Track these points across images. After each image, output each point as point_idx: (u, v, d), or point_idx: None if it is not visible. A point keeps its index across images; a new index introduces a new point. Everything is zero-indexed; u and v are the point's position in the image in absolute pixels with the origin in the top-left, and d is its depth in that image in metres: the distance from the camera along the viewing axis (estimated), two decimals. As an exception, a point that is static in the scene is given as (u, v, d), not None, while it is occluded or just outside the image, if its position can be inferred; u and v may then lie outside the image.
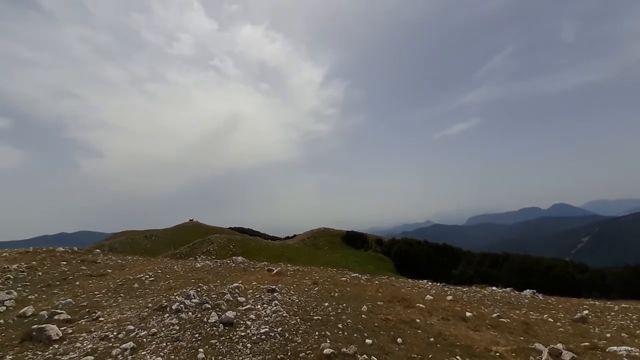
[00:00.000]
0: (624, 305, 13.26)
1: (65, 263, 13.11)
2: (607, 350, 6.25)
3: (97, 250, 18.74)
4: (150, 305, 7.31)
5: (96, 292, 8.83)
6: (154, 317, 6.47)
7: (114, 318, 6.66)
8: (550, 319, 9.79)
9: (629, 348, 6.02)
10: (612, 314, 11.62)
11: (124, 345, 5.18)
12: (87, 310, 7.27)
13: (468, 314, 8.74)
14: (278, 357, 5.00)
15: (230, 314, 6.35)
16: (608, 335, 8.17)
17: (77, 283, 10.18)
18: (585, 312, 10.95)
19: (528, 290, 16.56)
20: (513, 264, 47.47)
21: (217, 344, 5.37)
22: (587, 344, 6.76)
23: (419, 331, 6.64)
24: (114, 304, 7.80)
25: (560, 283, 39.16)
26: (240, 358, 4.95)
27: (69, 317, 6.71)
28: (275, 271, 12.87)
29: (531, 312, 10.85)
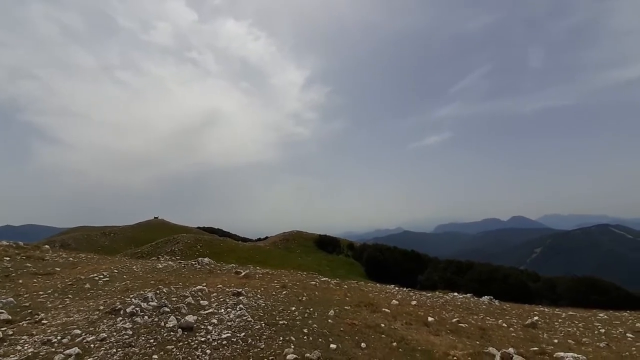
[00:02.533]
0: (570, 313, 14.34)
1: (8, 259, 11.89)
2: (554, 355, 6.68)
3: (47, 246, 17.21)
4: (101, 307, 6.80)
5: (41, 292, 8.08)
6: (104, 320, 6.01)
7: (59, 321, 6.11)
8: (504, 324, 10.34)
9: (576, 355, 6.41)
10: (560, 320, 12.51)
11: (68, 351, 4.75)
12: (30, 311, 6.64)
13: (430, 318, 9.01)
14: (238, 363, 4.82)
15: (190, 318, 6.05)
16: (556, 341, 8.75)
17: (21, 281, 9.26)
18: (536, 318, 11.70)
19: (486, 296, 17.46)
20: (474, 272, 49.94)
21: (174, 349, 5.08)
22: (536, 348, 7.19)
23: (383, 336, 6.72)
24: (60, 306, 7.16)
25: (516, 290, 41.72)
26: (198, 364, 4.72)
27: (10, 317, 6.11)
28: (243, 274, 12.52)
29: (487, 318, 11.42)
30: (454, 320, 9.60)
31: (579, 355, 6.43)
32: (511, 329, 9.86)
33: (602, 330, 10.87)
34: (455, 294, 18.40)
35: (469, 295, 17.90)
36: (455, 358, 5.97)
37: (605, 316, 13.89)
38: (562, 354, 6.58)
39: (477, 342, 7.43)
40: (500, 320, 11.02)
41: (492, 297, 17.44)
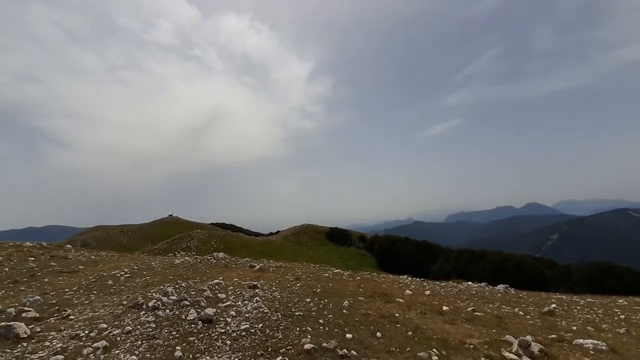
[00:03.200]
0: (589, 300, 14.12)
1: (33, 259, 12.41)
2: (573, 342, 6.62)
3: (69, 245, 17.87)
4: (125, 302, 7.06)
5: (66, 290, 8.42)
6: (129, 314, 6.25)
7: (85, 316, 6.38)
8: (520, 313, 10.27)
9: (595, 341, 6.35)
10: (578, 307, 12.33)
11: (96, 344, 4.98)
12: (57, 308, 6.93)
13: (445, 308, 9.02)
14: (258, 353, 4.96)
15: (209, 310, 6.23)
16: (574, 328, 8.65)
17: (46, 280, 9.67)
18: (553, 305, 11.56)
19: (501, 285, 17.30)
20: (487, 260, 49.44)
21: (196, 341, 5.26)
22: (554, 336, 7.14)
23: (398, 325, 6.78)
24: (86, 302, 7.47)
25: (531, 278, 41.20)
26: (219, 355, 4.88)
27: (38, 315, 6.38)
28: (257, 267, 12.76)
29: (503, 306, 11.34)
30: (469, 309, 9.58)
31: (598, 342, 6.35)
32: (528, 317, 9.78)
33: (622, 316, 10.68)
34: (470, 283, 18.29)
35: (483, 284, 17.77)
36: (471, 346, 5.98)
37: (625, 302, 13.61)
38: (581, 340, 6.51)
39: (494, 331, 7.41)
40: (517, 309, 10.94)
41: (507, 285, 17.26)
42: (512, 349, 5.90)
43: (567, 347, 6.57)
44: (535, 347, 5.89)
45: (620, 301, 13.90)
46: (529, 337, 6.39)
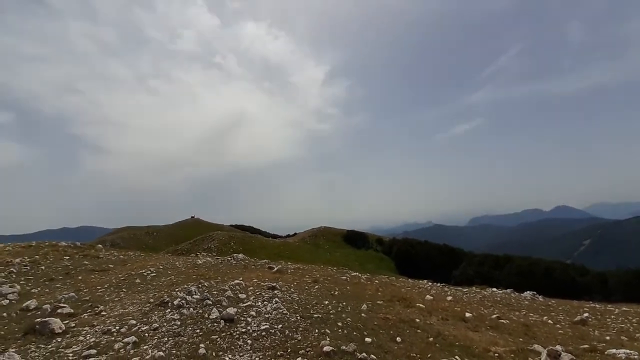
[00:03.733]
0: (624, 309, 13.24)
1: (68, 258, 13.22)
2: (605, 352, 6.26)
3: (99, 245, 18.87)
4: (152, 300, 7.38)
5: (99, 287, 8.91)
6: (155, 312, 6.54)
7: (116, 313, 6.74)
8: (549, 321, 9.79)
9: (628, 351, 6.02)
10: (612, 316, 11.60)
11: (126, 340, 5.25)
12: (90, 304, 7.35)
13: (468, 314, 8.76)
14: (278, 353, 5.04)
15: (231, 310, 6.40)
16: (607, 338, 8.16)
17: (80, 277, 10.28)
18: (586, 314, 10.94)
19: (528, 291, 16.55)
20: (513, 266, 47.38)
21: (218, 339, 5.43)
22: (586, 346, 6.77)
23: (419, 331, 6.67)
24: (116, 299, 7.88)
25: (561, 285, 39.06)
26: (241, 354, 5.00)
27: (72, 311, 6.79)
28: (275, 269, 12.93)
29: (531, 314, 10.86)
30: (494, 316, 9.25)
31: (631, 351, 5.99)
32: (558, 325, 9.32)
33: (661, 327, 9.96)
34: (494, 289, 17.63)
35: (509, 290, 17.07)
36: (496, 355, 5.79)
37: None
38: (614, 350, 6.15)
39: (520, 339, 7.12)
40: (546, 317, 10.44)
41: (535, 292, 16.49)
42: (540, 359, 5.66)
43: (599, 358, 6.22)
44: (566, 357, 5.61)
45: (659, 311, 12.94)
46: (558, 347, 6.09)
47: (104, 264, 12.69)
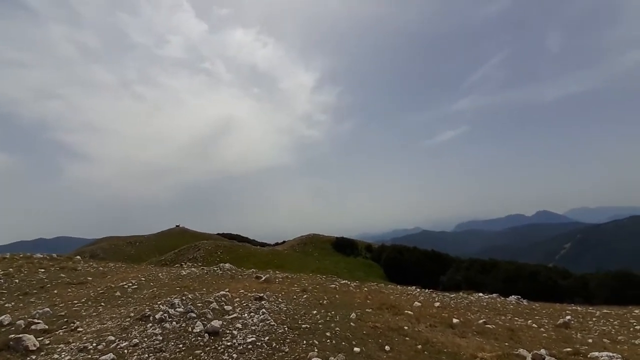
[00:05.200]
0: (605, 311, 13.63)
1: (43, 270, 12.60)
2: (589, 355, 6.38)
3: (78, 257, 18.10)
4: (132, 314, 7.08)
5: (75, 301, 8.50)
6: (136, 327, 6.26)
7: (93, 328, 6.42)
8: (534, 325, 9.96)
9: (611, 354, 6.16)
10: (594, 319, 11.91)
11: (103, 357, 4.99)
12: (66, 320, 6.99)
13: (455, 320, 8.81)
14: (264, 367, 4.91)
15: (216, 323, 6.20)
16: (590, 340, 8.35)
17: (56, 291, 9.79)
18: (568, 317, 11.19)
19: (513, 296, 16.85)
20: (499, 270, 48.27)
21: (202, 354, 5.23)
22: (569, 349, 6.89)
23: (407, 338, 6.64)
24: (94, 314, 7.52)
25: (545, 289, 39.96)
26: (226, 369, 4.83)
27: (47, 327, 6.44)
28: (263, 278, 12.70)
29: (516, 318, 11.02)
30: (481, 321, 9.33)
31: (614, 354, 6.14)
32: (542, 329, 9.48)
33: (638, 327, 10.32)
34: (481, 294, 17.86)
35: (495, 295, 17.33)
36: (483, 360, 5.81)
37: (643, 313, 13.12)
38: (596, 353, 6.29)
39: (506, 344, 7.19)
40: (530, 321, 10.61)
41: (519, 296, 16.81)
42: (525, 364, 5.71)
43: (582, 361, 6.33)
44: (550, 362, 5.69)
45: (637, 311, 13.40)
46: (542, 351, 6.19)
47: (82, 276, 12.14)
